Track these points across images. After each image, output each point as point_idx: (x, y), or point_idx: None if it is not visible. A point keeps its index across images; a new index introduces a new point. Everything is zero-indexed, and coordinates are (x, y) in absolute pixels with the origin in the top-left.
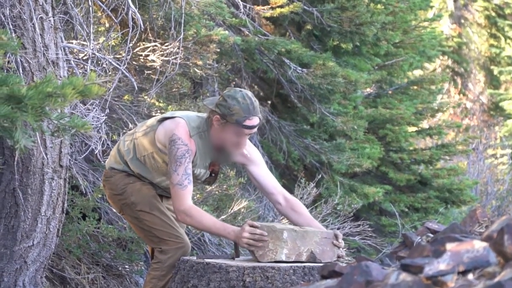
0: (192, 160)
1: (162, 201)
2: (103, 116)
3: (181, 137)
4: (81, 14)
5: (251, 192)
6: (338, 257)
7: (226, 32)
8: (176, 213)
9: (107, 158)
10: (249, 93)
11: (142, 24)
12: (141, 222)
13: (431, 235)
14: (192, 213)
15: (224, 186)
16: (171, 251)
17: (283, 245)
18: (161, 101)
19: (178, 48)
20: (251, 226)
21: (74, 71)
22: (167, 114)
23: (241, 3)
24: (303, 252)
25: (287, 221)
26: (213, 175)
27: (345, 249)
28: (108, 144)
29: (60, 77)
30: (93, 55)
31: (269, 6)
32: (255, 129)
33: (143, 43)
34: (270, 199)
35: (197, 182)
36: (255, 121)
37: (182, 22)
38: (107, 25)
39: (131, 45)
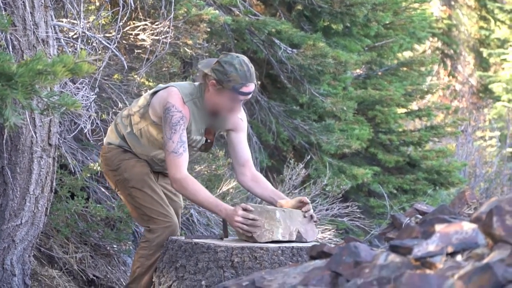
0: (186, 127)
1: (159, 178)
2: (92, 95)
3: (175, 104)
4: None
5: None
6: (314, 221)
7: (217, 11)
8: (171, 181)
9: (96, 137)
10: (246, 59)
11: (132, 2)
12: (133, 199)
13: (420, 217)
14: (187, 183)
15: (213, 167)
16: (159, 230)
17: (278, 225)
18: (151, 81)
19: (168, 27)
20: (245, 209)
21: (64, 49)
22: (159, 86)
23: None
24: (293, 232)
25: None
26: (208, 141)
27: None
28: (97, 123)
29: (50, 55)
30: (83, 34)
31: None
32: (250, 95)
33: (133, 22)
34: (237, 169)
35: (193, 149)
36: (251, 87)
37: (173, 1)
38: (97, 3)
39: (121, 24)
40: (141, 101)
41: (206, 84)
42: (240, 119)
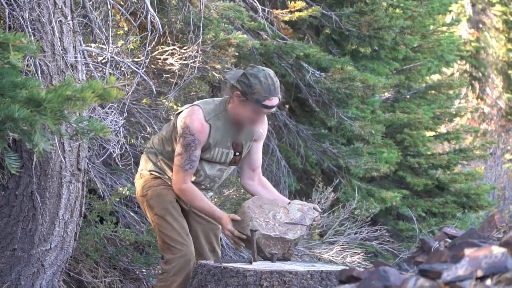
0: (202, 146)
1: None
2: (121, 120)
3: (189, 126)
4: (100, 18)
5: None
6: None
7: (245, 36)
8: (173, 187)
9: (125, 161)
10: (272, 73)
11: (161, 27)
12: (156, 225)
13: (449, 240)
14: (185, 193)
15: (242, 191)
16: (174, 260)
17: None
18: (179, 105)
19: (197, 52)
20: (232, 219)
21: (92, 74)
22: (185, 106)
23: (259, 7)
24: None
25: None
26: (237, 154)
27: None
28: (126, 148)
29: (79, 80)
30: (111, 59)
31: (288, 10)
32: (274, 109)
33: (162, 46)
34: (246, 173)
35: (225, 164)
36: (274, 101)
37: (201, 25)
38: (126, 28)
39: (149, 48)
40: (170, 123)
41: (232, 94)
42: (261, 131)
